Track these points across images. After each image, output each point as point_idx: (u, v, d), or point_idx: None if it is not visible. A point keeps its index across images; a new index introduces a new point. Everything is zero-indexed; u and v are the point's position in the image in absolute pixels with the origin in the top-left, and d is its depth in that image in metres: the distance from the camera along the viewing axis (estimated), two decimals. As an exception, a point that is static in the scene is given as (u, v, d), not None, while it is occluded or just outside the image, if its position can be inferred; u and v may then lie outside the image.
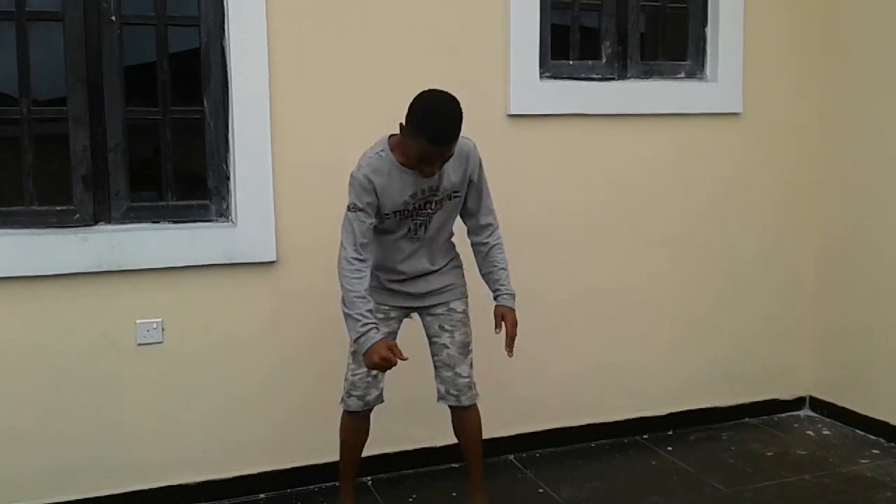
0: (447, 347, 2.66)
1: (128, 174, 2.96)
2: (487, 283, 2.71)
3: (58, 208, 2.90)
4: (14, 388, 2.83)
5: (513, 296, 2.69)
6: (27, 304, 2.83)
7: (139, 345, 2.94)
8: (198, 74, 3.02)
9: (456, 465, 3.29)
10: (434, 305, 2.67)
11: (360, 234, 2.48)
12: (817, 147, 3.83)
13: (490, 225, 2.69)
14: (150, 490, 2.99)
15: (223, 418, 3.06)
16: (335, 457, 3.17)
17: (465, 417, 2.72)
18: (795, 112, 3.82)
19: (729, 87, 3.66)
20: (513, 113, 3.34)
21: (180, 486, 3.02)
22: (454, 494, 3.07)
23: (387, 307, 2.65)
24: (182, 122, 3.05)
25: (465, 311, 2.69)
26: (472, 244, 2.72)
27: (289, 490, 3.15)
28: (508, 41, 3.32)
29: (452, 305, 2.67)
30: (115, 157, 2.94)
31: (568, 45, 3.52)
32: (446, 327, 2.66)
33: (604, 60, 3.56)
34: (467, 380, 2.68)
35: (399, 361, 2.44)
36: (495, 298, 2.68)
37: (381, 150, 2.50)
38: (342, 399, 2.70)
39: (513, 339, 2.63)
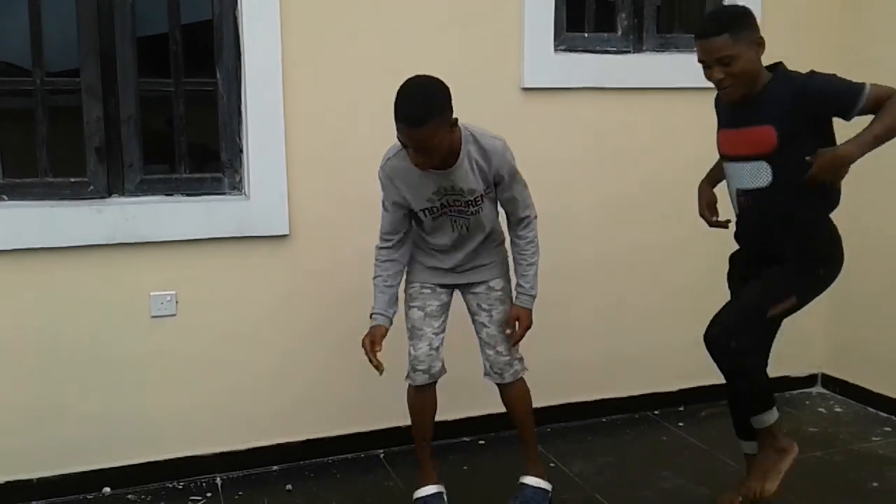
0: (486, 326, 2.69)
1: (141, 146, 2.96)
2: (515, 276, 2.71)
3: (71, 180, 2.90)
4: (28, 360, 2.85)
5: (532, 297, 2.68)
6: (41, 277, 2.84)
7: (153, 317, 2.95)
8: (211, 46, 3.00)
9: (467, 439, 3.32)
10: (474, 283, 2.69)
11: (388, 225, 2.61)
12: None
13: (524, 218, 2.65)
14: (165, 461, 3.02)
15: (237, 390, 3.08)
16: (348, 429, 3.23)
17: (508, 393, 2.77)
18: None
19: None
20: (527, 86, 3.32)
21: (194, 457, 3.05)
22: (465, 468, 3.09)
23: (431, 284, 2.70)
24: (195, 93, 3.03)
25: (503, 289, 2.70)
26: (509, 234, 2.72)
27: (302, 462, 3.17)
28: (523, 13, 3.28)
29: (492, 283, 2.68)
30: (129, 129, 2.94)
31: (583, 18, 3.48)
32: (484, 306, 2.68)
33: (619, 33, 3.52)
34: (508, 357, 2.70)
35: (373, 360, 2.57)
36: (515, 298, 2.69)
37: (401, 148, 2.49)
38: (408, 374, 2.72)
39: (517, 341, 2.68)
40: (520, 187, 2.60)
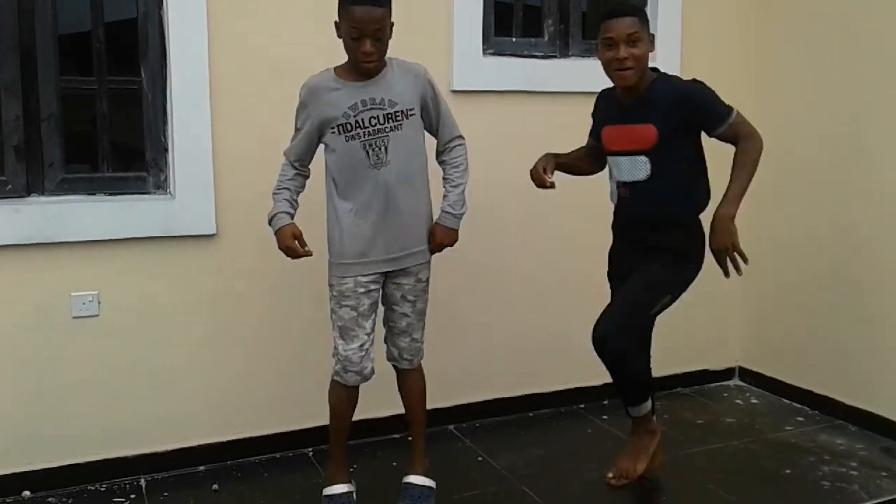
0: (407, 316, 2.70)
1: (62, 145, 2.91)
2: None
3: (-11, 179, 2.84)
4: (-55, 361, 2.78)
5: (456, 217, 2.71)
6: (-42, 277, 2.77)
7: (74, 318, 2.90)
8: (135, 44, 2.97)
9: (397, 436, 3.34)
10: (402, 274, 2.65)
11: (303, 148, 2.63)
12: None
13: (454, 139, 2.72)
14: (87, 463, 2.97)
15: (161, 392, 3.05)
16: (276, 428, 3.22)
17: (413, 377, 2.80)
18: (734, 91, 3.88)
19: (668, 67, 3.70)
20: (456, 89, 3.36)
21: (118, 458, 3.01)
22: (394, 464, 3.11)
23: (366, 278, 2.62)
24: (119, 92, 3.00)
25: (428, 279, 2.73)
26: (439, 163, 2.76)
27: (229, 462, 3.15)
28: (452, 17, 3.34)
29: (420, 276, 2.69)
30: (49, 127, 2.89)
31: (511, 23, 3.55)
32: (409, 297, 2.69)
33: (546, 38, 3.60)
34: (420, 343, 2.76)
35: (303, 253, 2.58)
36: (438, 217, 2.72)
37: (325, 70, 2.60)
38: (336, 373, 2.69)
39: (439, 249, 2.71)
40: (445, 108, 2.70)
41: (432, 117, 2.68)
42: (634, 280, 2.66)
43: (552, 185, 2.73)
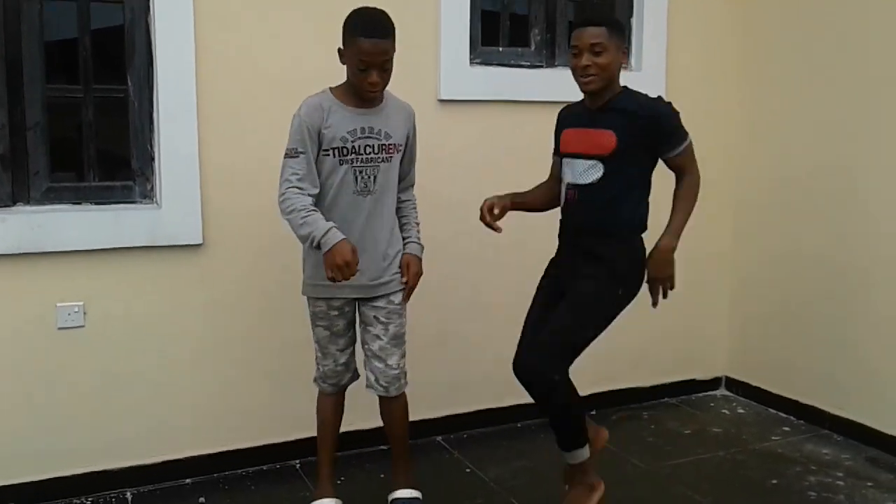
0: (380, 339, 2.65)
1: (48, 154, 2.88)
2: (402, 231, 2.75)
3: (-27, 188, 2.81)
4: (-74, 373, 2.74)
5: (421, 247, 2.76)
6: (-60, 287, 2.73)
7: (60, 329, 2.87)
8: (122, 52, 2.95)
9: (384, 448, 3.31)
10: (376, 297, 2.65)
11: (300, 173, 2.47)
12: (734, 137, 3.97)
13: (412, 184, 2.79)
14: (74, 476, 2.93)
15: (147, 403, 3.02)
16: (263, 440, 3.20)
17: (393, 406, 2.73)
18: (716, 101, 3.94)
19: (653, 76, 3.76)
20: (443, 98, 3.37)
21: (104, 472, 2.98)
22: (382, 476, 3.10)
23: (338, 301, 2.63)
24: (105, 100, 2.97)
25: (401, 303, 2.69)
26: (398, 200, 2.74)
27: (215, 475, 3.13)
28: (439, 26, 3.34)
29: (392, 297, 2.66)
30: (35, 136, 2.86)
31: (497, 32, 3.56)
32: (382, 318, 2.65)
33: (532, 48, 3.61)
34: (397, 371, 2.68)
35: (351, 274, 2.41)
36: (404, 247, 2.73)
37: (323, 91, 2.57)
38: (315, 380, 2.76)
39: (411, 290, 2.71)
40: (415, 152, 2.74)
41: (405, 157, 2.70)
42: (563, 309, 2.60)
43: (498, 230, 2.70)
